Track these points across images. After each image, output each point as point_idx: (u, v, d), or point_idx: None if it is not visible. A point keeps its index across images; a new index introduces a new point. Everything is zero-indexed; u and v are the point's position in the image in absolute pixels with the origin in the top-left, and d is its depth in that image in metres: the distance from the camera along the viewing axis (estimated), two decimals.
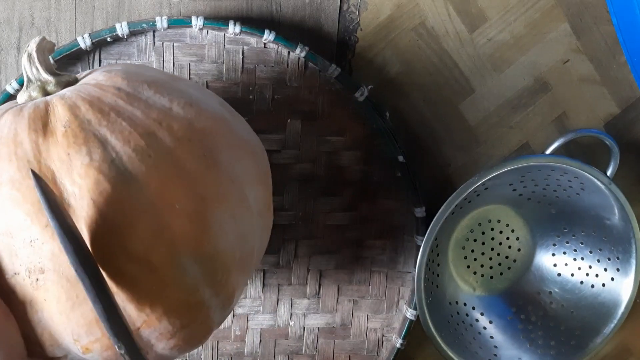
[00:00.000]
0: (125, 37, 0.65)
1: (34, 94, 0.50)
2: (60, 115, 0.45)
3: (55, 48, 0.63)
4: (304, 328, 0.73)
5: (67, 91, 0.48)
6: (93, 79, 0.50)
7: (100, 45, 0.65)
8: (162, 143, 0.46)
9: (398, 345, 0.73)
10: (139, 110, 0.46)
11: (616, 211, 0.68)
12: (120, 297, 0.44)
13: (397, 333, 0.74)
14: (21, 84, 0.62)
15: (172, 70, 0.66)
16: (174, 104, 0.48)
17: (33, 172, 0.42)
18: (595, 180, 0.67)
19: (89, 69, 0.65)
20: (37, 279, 0.44)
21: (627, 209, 0.68)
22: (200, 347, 0.71)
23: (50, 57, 0.52)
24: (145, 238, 0.44)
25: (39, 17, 0.65)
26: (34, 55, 0.50)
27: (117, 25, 0.63)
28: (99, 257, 0.43)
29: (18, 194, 0.43)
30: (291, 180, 0.70)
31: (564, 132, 0.71)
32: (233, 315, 0.71)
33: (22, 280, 0.44)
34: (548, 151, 0.69)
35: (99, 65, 0.66)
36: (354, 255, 0.72)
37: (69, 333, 0.45)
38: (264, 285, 0.72)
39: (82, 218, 0.43)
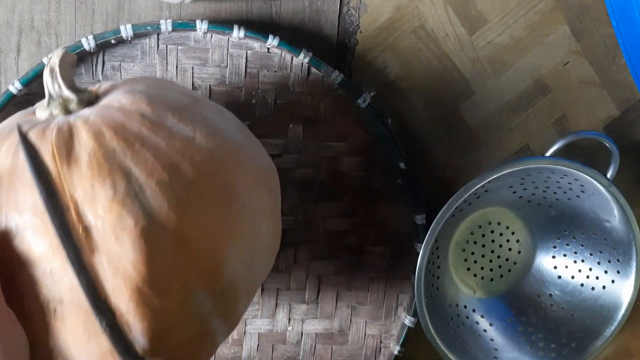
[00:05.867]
0: (129, 39, 0.64)
1: (56, 111, 0.49)
2: (84, 143, 0.45)
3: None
4: (302, 333, 0.73)
5: (91, 113, 0.47)
6: (116, 101, 0.49)
7: (104, 47, 0.64)
8: (184, 176, 0.45)
9: (396, 352, 0.73)
10: (163, 140, 0.46)
11: (616, 213, 0.68)
12: (136, 329, 0.44)
13: (395, 340, 0.73)
14: (24, 84, 0.62)
15: (175, 73, 0.66)
16: (196, 133, 0.48)
17: (21, 136, 0.42)
18: (595, 182, 0.67)
19: (93, 71, 0.65)
20: (55, 309, 0.43)
21: (627, 211, 0.68)
22: None
23: (72, 72, 0.52)
24: (164, 274, 0.44)
25: (38, 20, 0.64)
26: (57, 70, 0.50)
27: (122, 28, 0.63)
28: (119, 292, 0.43)
29: (40, 223, 0.42)
30: (292, 185, 0.69)
31: (564, 134, 0.71)
32: None
33: (40, 309, 0.44)
34: (548, 153, 0.69)
35: (102, 67, 0.65)
36: (353, 261, 0.72)
37: None
38: (262, 289, 0.71)
39: (104, 252, 0.43)
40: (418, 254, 0.66)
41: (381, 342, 0.74)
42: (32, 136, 0.46)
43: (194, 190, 0.46)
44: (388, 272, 0.73)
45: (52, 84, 0.50)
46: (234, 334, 0.71)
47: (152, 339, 0.45)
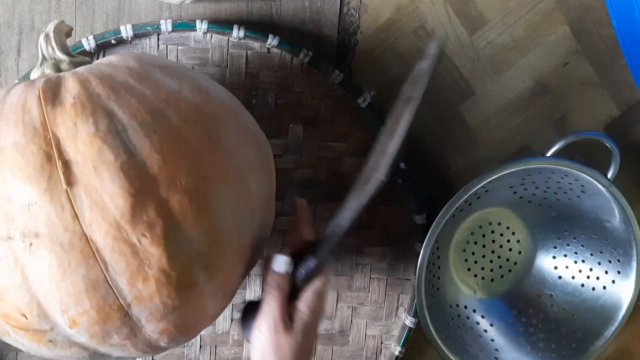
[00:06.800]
0: (129, 39, 0.64)
1: (47, 71, 0.51)
2: (70, 88, 0.46)
3: None
4: None
5: (80, 68, 0.49)
6: (106, 59, 0.51)
7: (104, 47, 0.65)
8: (169, 121, 0.46)
9: (397, 353, 0.73)
10: (149, 90, 0.47)
11: (617, 213, 0.68)
12: (114, 269, 0.44)
13: (395, 340, 0.73)
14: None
15: None
16: (183, 87, 0.49)
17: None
18: (596, 182, 0.67)
19: None
20: (31, 244, 0.44)
21: (627, 211, 0.68)
22: (198, 351, 0.71)
23: (66, 39, 0.53)
24: (145, 209, 0.44)
25: (39, 21, 0.64)
26: (51, 35, 0.52)
27: (122, 28, 0.63)
28: (97, 225, 0.43)
29: (21, 158, 0.43)
30: (292, 185, 0.69)
31: (564, 135, 0.71)
32: (231, 320, 0.71)
33: (16, 245, 0.44)
34: (548, 154, 0.69)
35: None
36: (353, 261, 0.72)
37: (57, 302, 0.45)
38: (263, 290, 0.71)
39: (82, 185, 0.43)
40: (418, 254, 0.66)
41: (382, 342, 0.74)
42: (21, 86, 0.47)
43: (178, 134, 0.46)
44: (388, 272, 0.73)
45: (46, 47, 0.52)
46: (235, 335, 0.71)
47: (131, 280, 0.44)
